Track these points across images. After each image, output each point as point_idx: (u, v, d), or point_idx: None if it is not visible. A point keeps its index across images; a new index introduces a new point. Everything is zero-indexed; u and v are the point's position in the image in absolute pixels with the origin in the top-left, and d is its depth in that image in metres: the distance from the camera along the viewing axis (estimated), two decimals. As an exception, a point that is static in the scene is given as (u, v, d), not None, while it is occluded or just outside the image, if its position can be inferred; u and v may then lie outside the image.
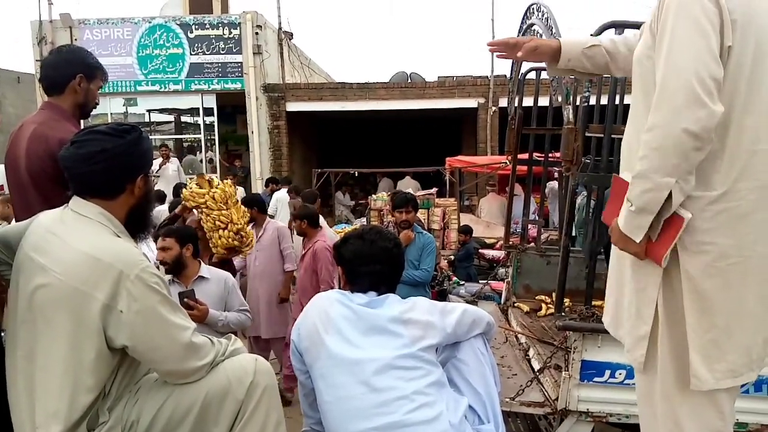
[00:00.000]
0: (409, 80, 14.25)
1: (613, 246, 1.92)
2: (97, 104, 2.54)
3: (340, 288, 2.28)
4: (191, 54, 13.15)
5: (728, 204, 1.63)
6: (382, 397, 1.83)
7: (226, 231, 3.82)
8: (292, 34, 14.70)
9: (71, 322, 1.61)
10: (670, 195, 1.58)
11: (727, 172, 1.62)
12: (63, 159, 1.75)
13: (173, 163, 10.98)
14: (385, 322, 1.93)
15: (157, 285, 1.67)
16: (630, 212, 1.65)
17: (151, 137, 13.86)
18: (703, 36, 1.53)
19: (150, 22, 13.16)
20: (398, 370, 1.86)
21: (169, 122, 15.63)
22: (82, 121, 2.53)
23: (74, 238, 1.67)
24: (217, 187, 3.85)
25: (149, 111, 14.35)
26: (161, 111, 14.74)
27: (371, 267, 2.08)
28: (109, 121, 13.62)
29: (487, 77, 13.23)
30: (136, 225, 1.83)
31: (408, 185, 12.16)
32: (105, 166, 1.71)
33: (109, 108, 13.75)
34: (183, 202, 3.87)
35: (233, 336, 1.98)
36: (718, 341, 1.66)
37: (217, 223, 3.81)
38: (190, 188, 3.87)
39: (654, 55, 1.64)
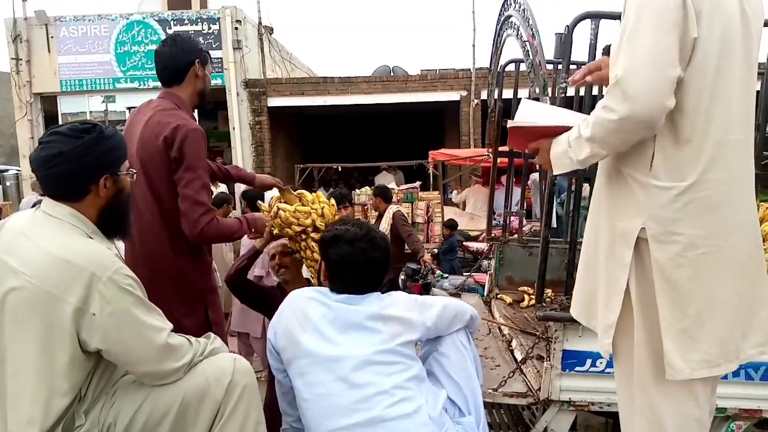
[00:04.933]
0: (392, 74, 14.21)
1: (584, 239, 1.93)
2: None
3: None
4: (170, 50, 12.99)
5: (696, 194, 1.63)
6: (361, 393, 1.82)
7: None
8: (272, 29, 14.58)
9: (43, 326, 1.58)
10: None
11: (695, 162, 1.63)
12: (30, 161, 1.73)
13: None
14: (363, 319, 1.92)
15: (131, 287, 1.65)
16: (565, 150, 1.73)
17: (131, 135, 13.74)
18: (662, 30, 1.54)
19: (128, 19, 12.98)
20: (377, 365, 1.85)
21: (150, 120, 15.44)
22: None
23: (45, 240, 1.64)
24: (318, 202, 2.89)
25: (129, 108, 14.17)
26: (141, 108, 14.59)
27: (357, 274, 2.03)
28: (88, 119, 13.45)
29: (468, 70, 13.22)
30: (110, 226, 1.79)
31: (384, 179, 12.20)
32: (62, 170, 1.67)
33: (88, 106, 13.57)
34: (270, 228, 2.79)
35: (212, 335, 1.96)
36: (690, 330, 1.67)
37: None
38: (284, 208, 2.76)
39: None
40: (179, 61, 2.39)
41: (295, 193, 2.89)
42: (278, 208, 2.77)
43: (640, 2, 1.58)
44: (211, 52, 12.69)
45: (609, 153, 1.68)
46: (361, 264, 2.03)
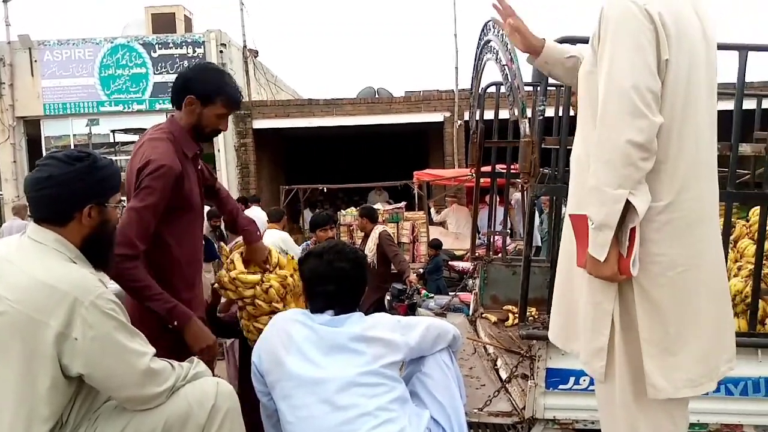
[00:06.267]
0: (377, 95, 14.34)
1: (558, 264, 1.95)
2: (220, 130, 2.38)
3: None
4: (155, 73, 13.03)
5: (673, 214, 1.67)
6: (345, 415, 1.82)
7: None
8: (257, 52, 14.69)
9: (25, 350, 1.58)
10: (631, 206, 1.61)
11: (671, 182, 1.67)
12: (24, 182, 1.76)
13: None
14: (346, 340, 1.93)
15: (113, 311, 1.65)
16: (592, 231, 1.66)
17: (116, 158, 13.71)
18: (640, 52, 1.59)
19: (112, 42, 13.03)
20: (361, 387, 1.86)
21: (134, 142, 15.34)
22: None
23: (29, 265, 1.64)
24: (274, 271, 2.60)
25: (113, 131, 14.15)
26: (125, 131, 14.55)
27: (326, 287, 2.05)
28: (72, 142, 13.40)
29: (452, 91, 13.39)
30: (93, 256, 1.78)
31: (374, 200, 12.27)
32: (50, 193, 1.69)
33: (71, 129, 13.53)
34: (215, 286, 2.67)
35: (195, 359, 1.96)
36: (672, 350, 1.69)
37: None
38: (231, 271, 2.55)
39: (596, 70, 1.70)
40: (176, 89, 2.34)
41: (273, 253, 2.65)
42: (228, 263, 2.61)
43: (615, 28, 1.63)
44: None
45: (631, 187, 1.59)
46: (329, 276, 2.05)
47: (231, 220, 2.73)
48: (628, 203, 1.60)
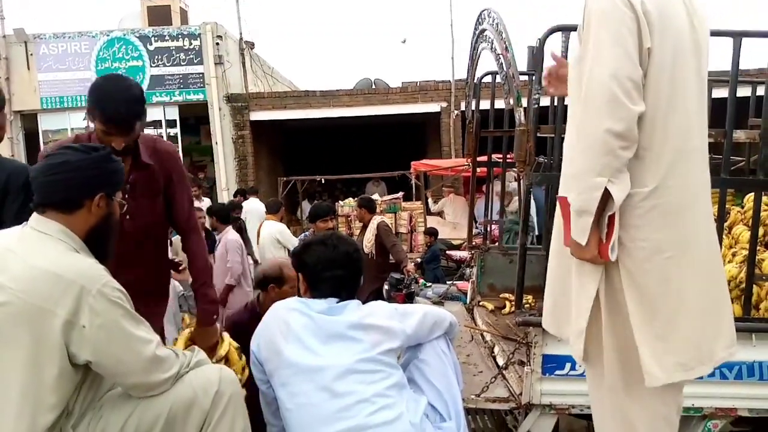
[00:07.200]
0: (373, 86, 14.31)
1: (551, 249, 1.98)
2: (108, 146, 2.18)
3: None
4: (151, 66, 12.99)
5: (658, 200, 1.69)
6: (342, 402, 1.85)
7: None
8: (253, 44, 14.64)
9: (31, 340, 1.60)
10: (610, 194, 1.64)
11: (656, 169, 1.69)
12: (30, 171, 1.77)
13: None
14: (344, 328, 1.96)
15: (119, 299, 1.68)
16: (573, 216, 1.71)
17: (112, 151, 13.65)
18: (620, 41, 1.61)
19: (108, 36, 12.97)
20: (358, 374, 1.89)
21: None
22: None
23: (34, 254, 1.66)
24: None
25: (110, 125, 14.11)
26: (122, 124, 14.50)
27: (334, 272, 2.08)
28: (69, 136, 13.37)
29: (448, 81, 13.37)
30: (96, 247, 1.79)
31: (372, 191, 12.29)
32: (64, 177, 1.72)
33: (69, 123, 13.50)
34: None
35: (196, 347, 1.99)
36: (663, 335, 1.71)
37: None
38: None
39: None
40: None
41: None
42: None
43: (597, 18, 1.66)
44: (192, 67, 12.57)
45: (610, 175, 1.62)
46: (337, 260, 2.09)
47: (194, 288, 2.58)
48: (608, 190, 1.63)
